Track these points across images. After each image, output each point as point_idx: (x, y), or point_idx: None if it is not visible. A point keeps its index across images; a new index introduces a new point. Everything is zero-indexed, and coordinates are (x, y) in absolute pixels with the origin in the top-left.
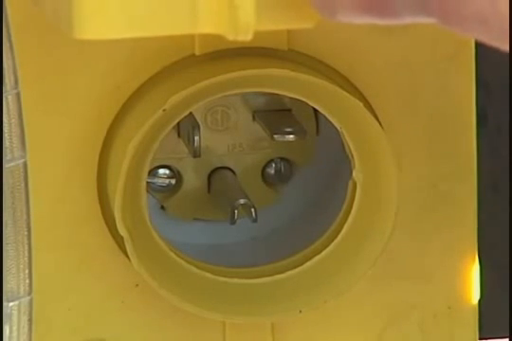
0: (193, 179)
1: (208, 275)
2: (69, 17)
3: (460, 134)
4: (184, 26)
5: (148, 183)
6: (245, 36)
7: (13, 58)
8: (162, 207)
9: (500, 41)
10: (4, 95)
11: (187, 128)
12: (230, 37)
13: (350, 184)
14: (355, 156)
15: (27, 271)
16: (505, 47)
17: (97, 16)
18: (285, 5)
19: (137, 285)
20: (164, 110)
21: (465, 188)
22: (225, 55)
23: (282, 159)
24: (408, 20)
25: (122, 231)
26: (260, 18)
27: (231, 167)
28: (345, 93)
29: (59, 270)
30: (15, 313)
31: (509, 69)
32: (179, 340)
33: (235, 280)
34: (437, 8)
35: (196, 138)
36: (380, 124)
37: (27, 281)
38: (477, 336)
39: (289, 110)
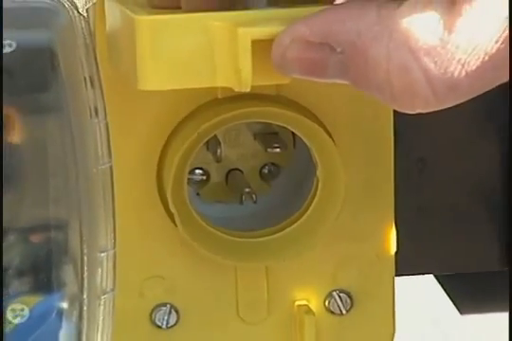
0: (217, 176)
1: (225, 236)
2: (134, 76)
3: (382, 148)
4: (207, 82)
5: (188, 179)
6: (245, 89)
7: (103, 100)
8: (197, 194)
9: (391, 103)
10: (98, 124)
11: (213, 144)
12: (236, 89)
13: (315, 179)
14: (318, 162)
15: (112, 234)
16: (395, 107)
17: (152, 76)
18: (270, 70)
19: (181, 243)
20: (198, 133)
21: (385, 182)
22: (237, 98)
23: (272, 164)
24: (336, 81)
25: (173, 209)
26: (255, 77)
27: (240, 168)
28: (311, 122)
29: (132, 235)
30: (104, 260)
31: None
32: (206, 277)
33: (242, 239)
34: (353, 77)
35: (219, 151)
36: (334, 142)
37: (112, 240)
38: (394, 273)
39: (277, 133)
